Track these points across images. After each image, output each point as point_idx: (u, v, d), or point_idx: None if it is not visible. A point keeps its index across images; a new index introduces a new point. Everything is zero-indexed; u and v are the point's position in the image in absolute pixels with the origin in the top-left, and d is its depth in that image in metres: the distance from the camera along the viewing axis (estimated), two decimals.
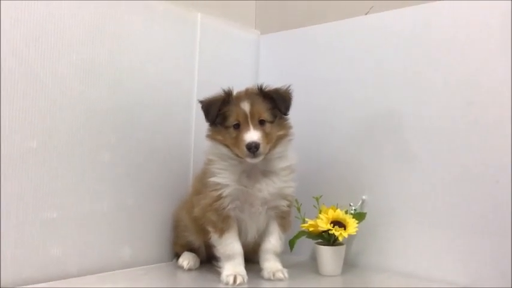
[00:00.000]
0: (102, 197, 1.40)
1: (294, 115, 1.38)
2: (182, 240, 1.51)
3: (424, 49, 1.45)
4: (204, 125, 1.38)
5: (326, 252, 1.41)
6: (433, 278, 1.37)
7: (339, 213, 1.42)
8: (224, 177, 1.33)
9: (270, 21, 1.92)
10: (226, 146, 1.32)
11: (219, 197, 1.32)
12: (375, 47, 1.56)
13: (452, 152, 1.38)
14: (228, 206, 1.32)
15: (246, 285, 1.28)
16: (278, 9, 1.91)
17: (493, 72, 1.32)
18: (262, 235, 1.40)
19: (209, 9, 1.72)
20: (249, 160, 1.28)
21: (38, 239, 1.26)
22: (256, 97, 1.32)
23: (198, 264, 1.48)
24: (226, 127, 1.32)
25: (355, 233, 1.40)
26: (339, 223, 1.41)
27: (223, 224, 1.32)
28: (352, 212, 1.48)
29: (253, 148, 1.25)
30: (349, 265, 1.49)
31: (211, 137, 1.36)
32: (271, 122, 1.32)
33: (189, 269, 1.45)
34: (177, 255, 1.52)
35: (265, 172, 1.35)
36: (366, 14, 1.62)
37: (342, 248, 1.43)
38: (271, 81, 1.37)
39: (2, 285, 1.19)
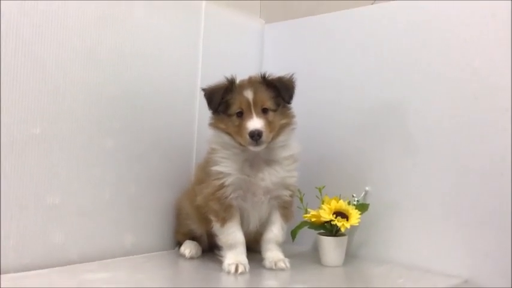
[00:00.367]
0: (104, 184, 1.40)
1: (297, 105, 1.37)
2: (184, 228, 1.51)
3: (431, 40, 1.43)
4: (207, 114, 1.38)
5: (328, 243, 1.41)
6: (434, 270, 1.36)
7: (342, 204, 1.41)
8: (227, 166, 1.32)
9: (274, 10, 1.90)
10: (229, 134, 1.32)
11: (222, 186, 1.31)
12: (381, 37, 1.54)
13: (456, 144, 1.37)
14: (230, 195, 1.32)
15: (247, 275, 1.28)
16: None
17: (500, 66, 1.30)
18: (264, 225, 1.39)
19: None
20: (252, 148, 1.27)
21: (40, 226, 1.27)
22: (260, 85, 1.31)
23: (199, 252, 1.48)
24: (229, 115, 1.31)
25: (357, 224, 1.40)
26: (341, 214, 1.40)
27: (225, 213, 1.32)
28: (355, 203, 1.47)
29: (256, 136, 1.24)
30: (351, 256, 1.49)
31: (213, 125, 1.35)
32: (274, 111, 1.31)
33: (191, 258, 1.45)
34: (179, 244, 1.53)
35: (268, 161, 1.34)
36: (373, 3, 1.60)
37: (344, 239, 1.42)
38: (276, 71, 1.36)
39: (3, 271, 1.19)
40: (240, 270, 1.27)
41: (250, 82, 1.33)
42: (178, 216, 1.54)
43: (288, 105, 1.36)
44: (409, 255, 1.43)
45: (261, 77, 1.33)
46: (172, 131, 1.57)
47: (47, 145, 1.28)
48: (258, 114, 1.27)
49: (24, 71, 1.24)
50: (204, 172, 1.38)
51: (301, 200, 1.44)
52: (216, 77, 1.35)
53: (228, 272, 1.27)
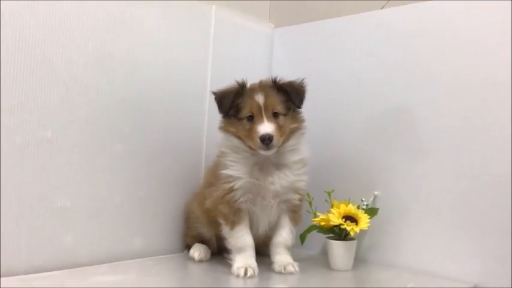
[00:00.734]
0: (115, 187, 1.41)
1: (307, 109, 1.37)
2: (193, 231, 1.51)
3: (440, 45, 1.43)
4: (217, 118, 1.38)
5: (337, 247, 1.41)
6: (443, 274, 1.36)
7: (351, 208, 1.41)
8: (236, 170, 1.33)
9: (284, 14, 1.91)
10: (239, 138, 1.32)
11: (231, 190, 1.32)
12: (390, 42, 1.54)
13: (465, 149, 1.36)
14: (239, 198, 1.32)
15: (256, 278, 1.28)
16: (292, 3, 1.90)
17: (507, 70, 1.30)
18: (273, 228, 1.40)
19: (224, 2, 1.72)
20: (262, 152, 1.27)
21: (51, 228, 1.28)
22: (270, 89, 1.32)
23: (209, 256, 1.49)
24: (240, 119, 1.31)
25: (366, 228, 1.40)
26: (350, 218, 1.40)
27: (234, 216, 1.33)
28: (364, 207, 1.47)
29: (266, 140, 1.24)
30: (360, 260, 1.49)
31: (224, 128, 1.36)
32: (285, 115, 1.32)
33: (200, 261, 1.45)
34: (188, 247, 1.53)
35: (278, 165, 1.34)
36: (382, 8, 1.60)
37: (353, 243, 1.42)
38: (285, 75, 1.36)
39: (14, 273, 1.20)
40: (249, 274, 1.27)
41: (261, 86, 1.33)
42: (188, 219, 1.54)
43: (298, 109, 1.36)
44: (418, 259, 1.42)
45: (272, 81, 1.34)
46: (182, 134, 1.58)
47: (57, 148, 1.29)
48: (268, 119, 1.28)
49: (35, 74, 1.24)
50: (214, 175, 1.38)
51: (310, 204, 1.44)
52: (226, 81, 1.36)
53: (237, 276, 1.28)
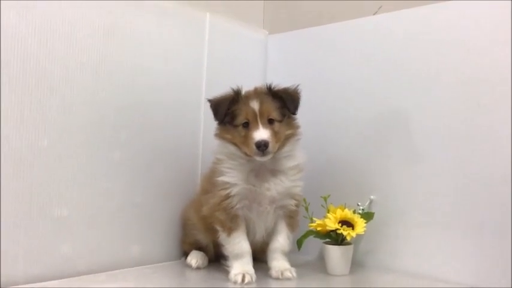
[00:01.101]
0: (112, 195, 1.41)
1: (301, 115, 1.38)
2: (190, 238, 1.52)
3: (433, 49, 1.45)
4: (213, 124, 1.39)
5: (334, 252, 1.41)
6: (440, 278, 1.37)
7: (347, 213, 1.42)
8: (232, 176, 1.33)
9: (278, 21, 1.92)
10: (235, 144, 1.33)
11: (228, 196, 1.32)
12: (383, 47, 1.55)
13: (461, 152, 1.37)
14: (236, 205, 1.33)
15: (254, 284, 1.28)
16: (286, 9, 1.91)
17: (504, 73, 1.31)
18: (270, 234, 1.40)
19: (218, 9, 1.73)
20: (258, 158, 1.28)
21: (49, 237, 1.28)
22: (265, 96, 1.33)
23: (206, 262, 1.49)
24: (235, 126, 1.32)
25: (363, 233, 1.40)
26: (347, 223, 1.41)
27: (231, 223, 1.33)
28: (360, 211, 1.48)
29: (262, 146, 1.25)
30: (356, 265, 1.49)
31: (219, 135, 1.36)
32: (280, 121, 1.33)
33: (197, 268, 1.45)
34: (186, 254, 1.53)
35: (274, 171, 1.35)
36: (375, 14, 1.62)
37: (350, 248, 1.43)
38: (279, 81, 1.37)
39: (12, 283, 1.20)
40: (246, 280, 1.27)
41: (256, 93, 1.34)
42: (185, 226, 1.54)
43: (293, 115, 1.37)
44: (415, 263, 1.43)
45: (267, 87, 1.35)
46: (178, 141, 1.58)
47: (54, 157, 1.29)
48: (264, 125, 1.29)
49: (31, 84, 1.25)
50: (210, 182, 1.39)
51: (306, 209, 1.45)
52: (221, 88, 1.36)
53: (235, 282, 1.28)
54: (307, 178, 1.41)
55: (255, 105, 1.30)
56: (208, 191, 1.39)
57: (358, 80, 1.61)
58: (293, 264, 1.38)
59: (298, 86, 1.37)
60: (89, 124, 1.36)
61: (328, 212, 1.43)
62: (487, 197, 1.32)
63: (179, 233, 1.57)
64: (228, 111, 1.32)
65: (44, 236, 1.27)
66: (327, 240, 1.44)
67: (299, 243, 1.44)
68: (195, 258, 1.47)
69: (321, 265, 1.47)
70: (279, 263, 1.36)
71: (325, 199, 1.46)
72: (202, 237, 1.49)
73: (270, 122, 1.31)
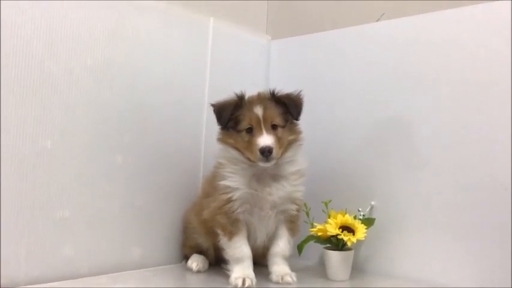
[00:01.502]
0: (113, 198, 1.41)
1: (304, 120, 1.39)
2: (191, 242, 1.52)
3: (435, 56, 1.46)
4: (215, 129, 1.39)
5: (334, 257, 1.42)
6: (441, 283, 1.37)
7: (348, 218, 1.42)
8: (234, 181, 1.33)
9: (281, 26, 1.93)
10: (238, 149, 1.33)
11: (229, 200, 1.33)
12: (385, 53, 1.57)
13: (462, 158, 1.38)
14: (237, 209, 1.33)
15: None
16: (289, 15, 1.92)
17: (504, 78, 1.32)
18: (271, 239, 1.40)
19: (222, 14, 1.74)
20: (262, 164, 1.29)
21: (51, 239, 1.28)
22: (269, 102, 1.33)
23: (206, 266, 1.49)
24: (239, 131, 1.33)
25: (363, 238, 1.41)
26: (347, 228, 1.41)
27: (232, 227, 1.33)
28: (361, 217, 1.48)
29: (266, 152, 1.26)
30: (357, 270, 1.49)
31: (222, 140, 1.37)
32: (283, 127, 1.33)
33: (198, 271, 1.46)
34: (186, 257, 1.53)
35: (275, 176, 1.35)
36: (377, 20, 1.63)
37: (351, 253, 1.43)
38: (282, 86, 1.38)
39: (15, 284, 1.20)
40: (247, 284, 1.28)
41: (260, 98, 1.34)
42: (186, 229, 1.54)
43: (296, 121, 1.38)
44: (416, 269, 1.43)
45: (270, 93, 1.35)
46: (180, 145, 1.59)
47: (57, 159, 1.30)
48: (267, 131, 1.29)
49: (35, 86, 1.26)
50: (211, 186, 1.39)
51: (307, 214, 1.45)
52: (223, 92, 1.37)
53: (235, 286, 1.28)
54: (308, 183, 1.42)
55: (258, 110, 1.30)
56: (209, 194, 1.39)
57: (360, 85, 1.62)
58: (293, 269, 1.39)
59: (300, 91, 1.37)
60: (91, 126, 1.37)
61: (329, 217, 1.44)
62: (487, 204, 1.33)
63: (180, 236, 1.57)
64: (232, 116, 1.33)
65: (45, 237, 1.27)
66: (328, 245, 1.44)
67: (300, 248, 1.45)
68: (195, 262, 1.47)
69: (321, 270, 1.47)
70: (279, 268, 1.37)
71: (326, 204, 1.47)
72: (203, 241, 1.49)
73: (274, 127, 1.31)
